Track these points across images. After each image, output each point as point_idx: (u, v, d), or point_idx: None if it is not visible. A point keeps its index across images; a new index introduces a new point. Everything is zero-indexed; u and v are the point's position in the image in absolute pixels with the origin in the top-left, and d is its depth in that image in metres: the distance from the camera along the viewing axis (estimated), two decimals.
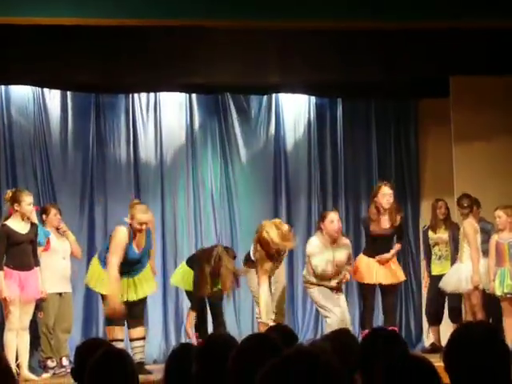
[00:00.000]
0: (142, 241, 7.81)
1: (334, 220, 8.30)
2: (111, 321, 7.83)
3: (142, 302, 8.02)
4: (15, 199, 7.66)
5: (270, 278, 8.24)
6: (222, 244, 9.03)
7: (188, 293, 8.48)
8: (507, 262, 8.34)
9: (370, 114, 10.70)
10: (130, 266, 7.75)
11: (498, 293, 8.31)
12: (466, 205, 8.73)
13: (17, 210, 7.62)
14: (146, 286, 7.97)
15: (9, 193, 7.82)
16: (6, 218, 7.74)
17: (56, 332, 8.26)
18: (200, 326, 8.30)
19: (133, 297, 7.83)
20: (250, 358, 2.94)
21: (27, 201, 7.65)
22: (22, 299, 7.56)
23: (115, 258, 7.58)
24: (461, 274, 8.59)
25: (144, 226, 7.67)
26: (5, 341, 7.59)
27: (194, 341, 7.97)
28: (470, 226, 8.59)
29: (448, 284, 8.74)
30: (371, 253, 8.57)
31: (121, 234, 7.64)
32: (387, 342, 3.47)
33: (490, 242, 8.50)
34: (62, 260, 8.35)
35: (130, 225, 7.67)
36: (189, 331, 8.41)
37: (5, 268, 7.54)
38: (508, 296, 8.30)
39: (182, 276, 8.41)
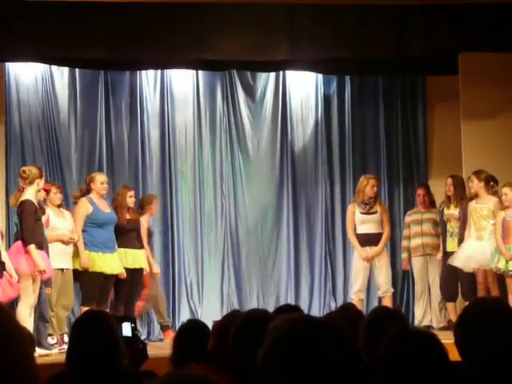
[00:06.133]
0: (106, 207, 8.49)
1: None
2: (86, 300, 8.22)
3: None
4: (37, 175, 7.74)
5: None
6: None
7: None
8: None
9: (378, 92, 10.66)
10: (105, 230, 8.32)
11: (503, 269, 8.28)
12: (491, 183, 8.67)
13: (37, 185, 7.71)
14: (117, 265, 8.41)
15: (27, 170, 7.84)
16: (18, 194, 7.76)
17: (57, 309, 8.27)
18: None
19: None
20: (250, 331, 2.97)
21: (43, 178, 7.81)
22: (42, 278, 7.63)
23: (79, 224, 8.30)
24: (486, 251, 8.46)
25: (106, 185, 8.49)
26: (19, 315, 7.56)
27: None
28: (498, 205, 8.53)
29: (469, 263, 8.57)
30: None
31: (80, 203, 8.39)
32: (391, 320, 3.49)
33: (496, 219, 8.46)
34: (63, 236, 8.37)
35: (94, 189, 8.40)
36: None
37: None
38: (511, 273, 8.27)
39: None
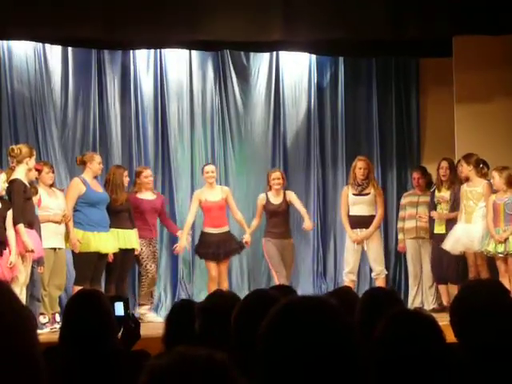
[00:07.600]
0: (99, 186, 8.50)
1: None
2: (79, 279, 8.22)
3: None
4: (27, 154, 7.67)
5: None
6: None
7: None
8: (502, 222, 8.34)
9: (372, 74, 10.65)
10: (99, 209, 8.32)
11: (492, 252, 8.32)
12: (481, 165, 8.68)
13: (26, 164, 7.66)
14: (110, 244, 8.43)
15: (16, 148, 7.78)
16: (9, 173, 7.70)
17: (49, 288, 8.27)
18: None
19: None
20: (252, 313, 2.95)
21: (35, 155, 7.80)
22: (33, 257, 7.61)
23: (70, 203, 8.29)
24: (473, 234, 8.54)
25: (101, 165, 8.55)
26: None
27: None
28: (489, 188, 8.55)
29: (457, 246, 8.64)
30: None
31: (72, 183, 8.45)
32: (386, 300, 3.48)
33: (487, 202, 8.48)
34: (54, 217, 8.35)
35: (90, 169, 8.42)
36: None
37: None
38: (500, 256, 8.31)
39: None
